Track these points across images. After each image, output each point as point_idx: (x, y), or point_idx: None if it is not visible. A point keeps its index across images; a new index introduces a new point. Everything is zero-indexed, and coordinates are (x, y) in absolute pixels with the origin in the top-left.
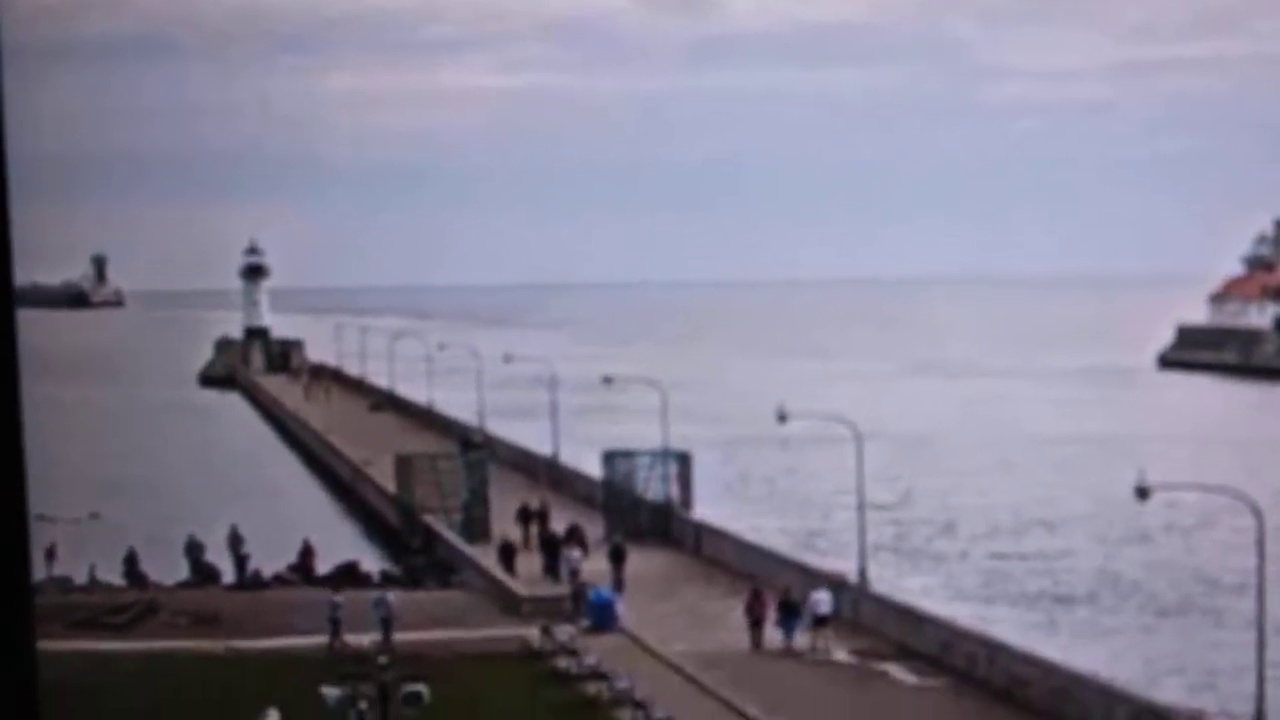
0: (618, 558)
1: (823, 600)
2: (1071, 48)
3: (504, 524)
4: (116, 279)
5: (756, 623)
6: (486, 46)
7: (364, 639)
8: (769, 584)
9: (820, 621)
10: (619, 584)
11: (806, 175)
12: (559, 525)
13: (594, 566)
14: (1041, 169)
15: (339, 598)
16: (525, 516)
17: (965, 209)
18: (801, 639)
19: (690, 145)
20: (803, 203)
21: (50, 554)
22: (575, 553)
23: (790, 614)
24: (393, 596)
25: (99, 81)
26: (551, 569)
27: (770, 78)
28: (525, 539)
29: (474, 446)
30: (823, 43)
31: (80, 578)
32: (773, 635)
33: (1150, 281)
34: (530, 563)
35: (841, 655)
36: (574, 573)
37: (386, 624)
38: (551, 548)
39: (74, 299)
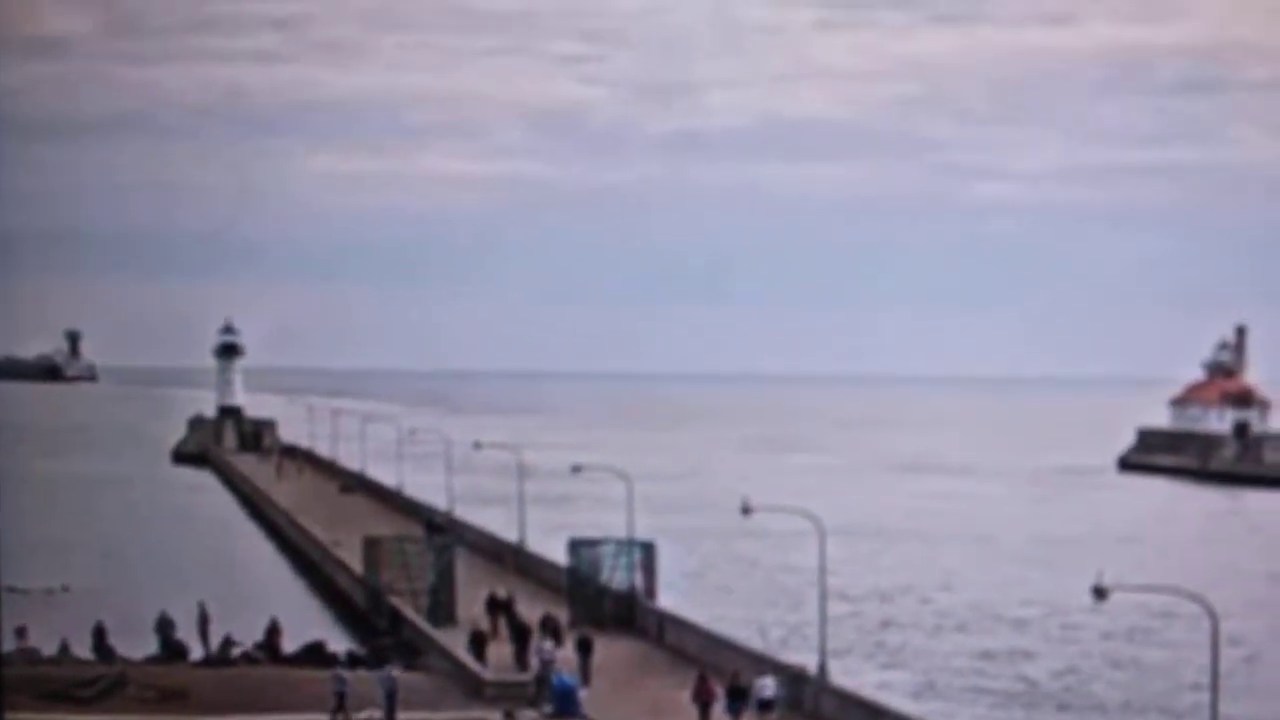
0: (585, 649)
1: (767, 685)
2: (1043, 150)
3: (471, 609)
4: (90, 354)
5: (705, 707)
6: (466, 133)
7: (362, 714)
8: (718, 670)
9: (765, 706)
10: (586, 675)
11: (782, 270)
12: (528, 613)
13: (562, 655)
14: (1013, 269)
15: (345, 673)
16: (493, 606)
17: (938, 307)
18: None
19: (665, 237)
20: (779, 297)
21: (21, 633)
22: (548, 644)
23: (737, 698)
24: (397, 672)
25: (77, 158)
26: (521, 659)
27: (746, 171)
28: (494, 628)
29: (438, 529)
30: (799, 138)
31: (50, 649)
32: (720, 718)
33: (1115, 383)
34: (501, 652)
35: None
36: (547, 663)
37: (391, 698)
38: (522, 637)
39: (47, 372)
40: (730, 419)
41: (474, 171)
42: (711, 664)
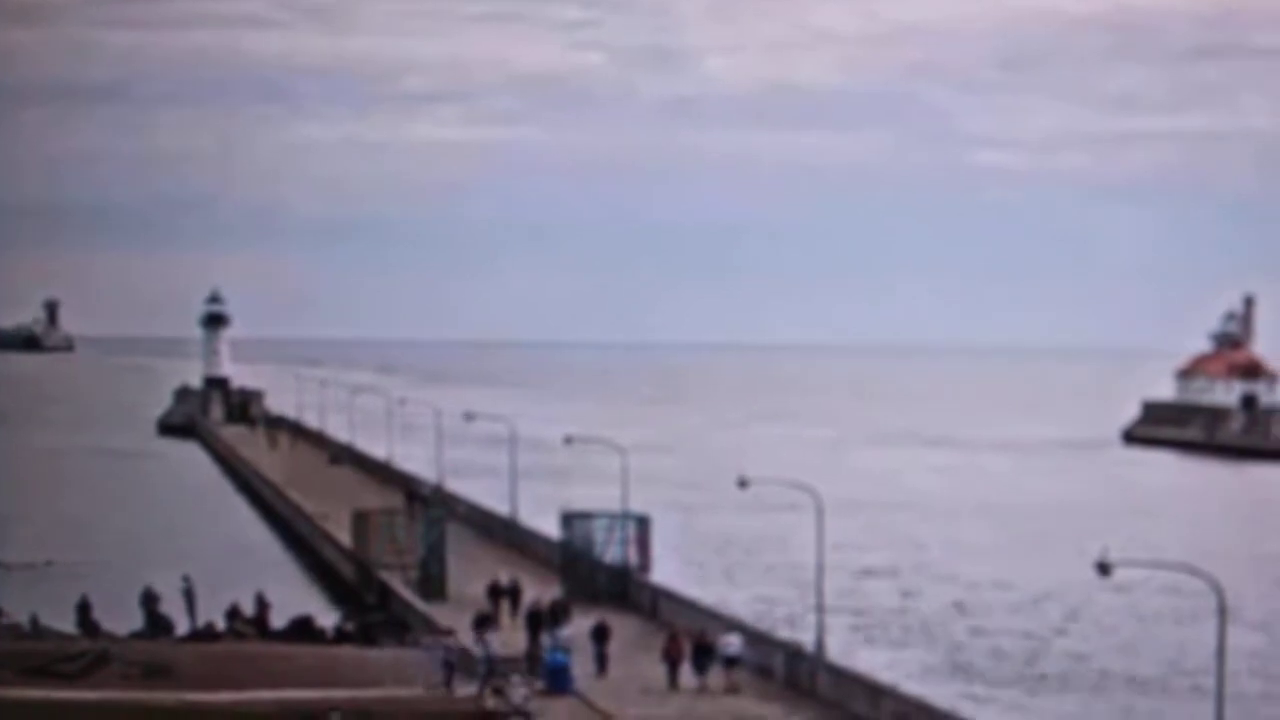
0: (601, 636)
1: (732, 643)
2: (1048, 117)
3: (462, 586)
4: (69, 324)
5: (673, 664)
6: (457, 99)
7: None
8: (687, 629)
9: (730, 662)
10: (602, 662)
11: (780, 237)
12: (529, 596)
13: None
14: (1016, 238)
15: (451, 641)
16: (496, 593)
17: (940, 277)
18: (714, 679)
19: (662, 204)
20: (777, 265)
21: None
22: (566, 630)
23: (703, 654)
24: (493, 636)
25: (59, 126)
26: (534, 648)
27: (743, 139)
28: (496, 615)
29: (420, 498)
30: (797, 105)
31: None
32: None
33: (1119, 355)
34: (513, 640)
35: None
36: (566, 650)
37: (489, 663)
38: (535, 624)
39: (25, 342)
40: (728, 389)
41: (467, 138)
42: (685, 627)
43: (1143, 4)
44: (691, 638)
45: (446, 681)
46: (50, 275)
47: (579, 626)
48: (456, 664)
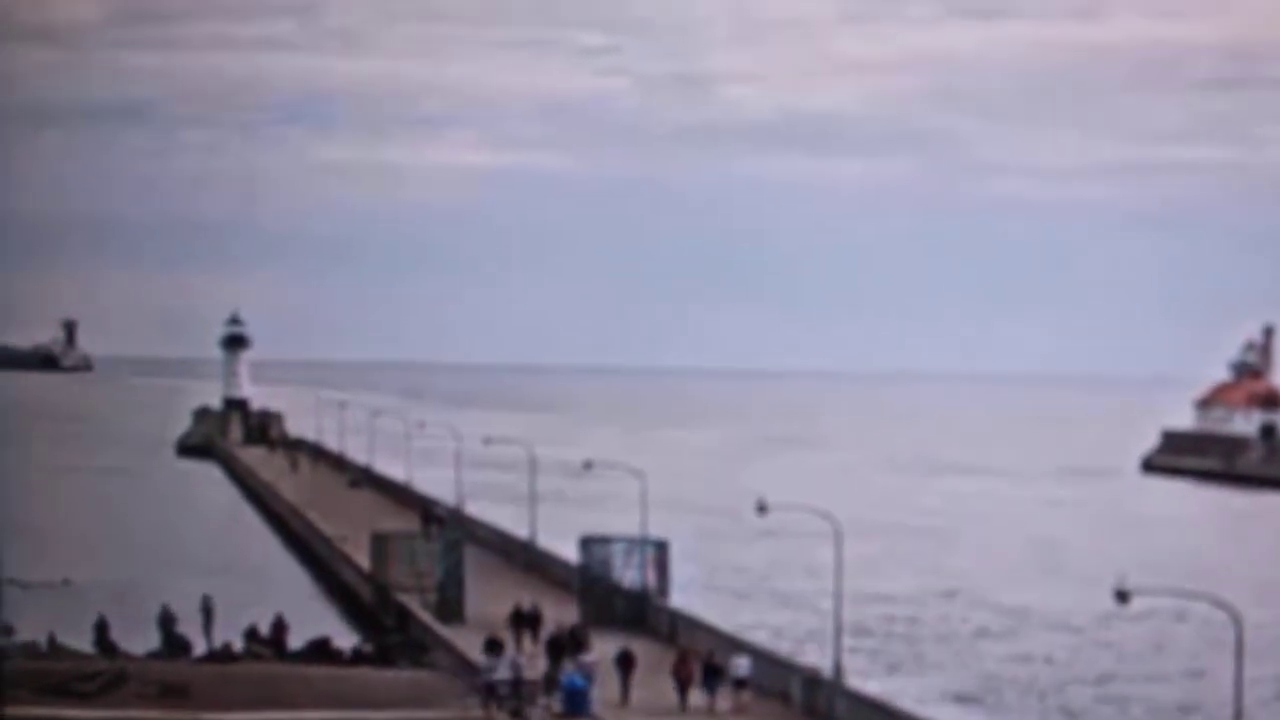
0: (626, 664)
1: (742, 664)
2: (1067, 147)
3: (482, 608)
4: (87, 344)
5: (683, 685)
6: (479, 124)
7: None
8: (696, 650)
9: (740, 684)
10: (626, 691)
11: (802, 264)
12: (551, 622)
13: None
14: (1035, 267)
15: (515, 658)
16: (519, 619)
17: (959, 304)
18: (723, 700)
19: (682, 230)
20: (796, 292)
21: (6, 631)
22: (590, 656)
23: (713, 675)
24: (522, 659)
25: (82, 145)
26: (553, 676)
27: (764, 165)
28: (519, 642)
29: (436, 520)
30: (817, 132)
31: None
32: (698, 696)
33: (1138, 384)
34: (533, 668)
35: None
36: (589, 678)
37: (518, 685)
38: (556, 652)
39: (43, 361)
40: (748, 415)
41: (488, 163)
42: (693, 649)
43: (1162, 35)
44: (701, 659)
45: (485, 703)
46: (69, 295)
47: (601, 652)
48: (499, 686)
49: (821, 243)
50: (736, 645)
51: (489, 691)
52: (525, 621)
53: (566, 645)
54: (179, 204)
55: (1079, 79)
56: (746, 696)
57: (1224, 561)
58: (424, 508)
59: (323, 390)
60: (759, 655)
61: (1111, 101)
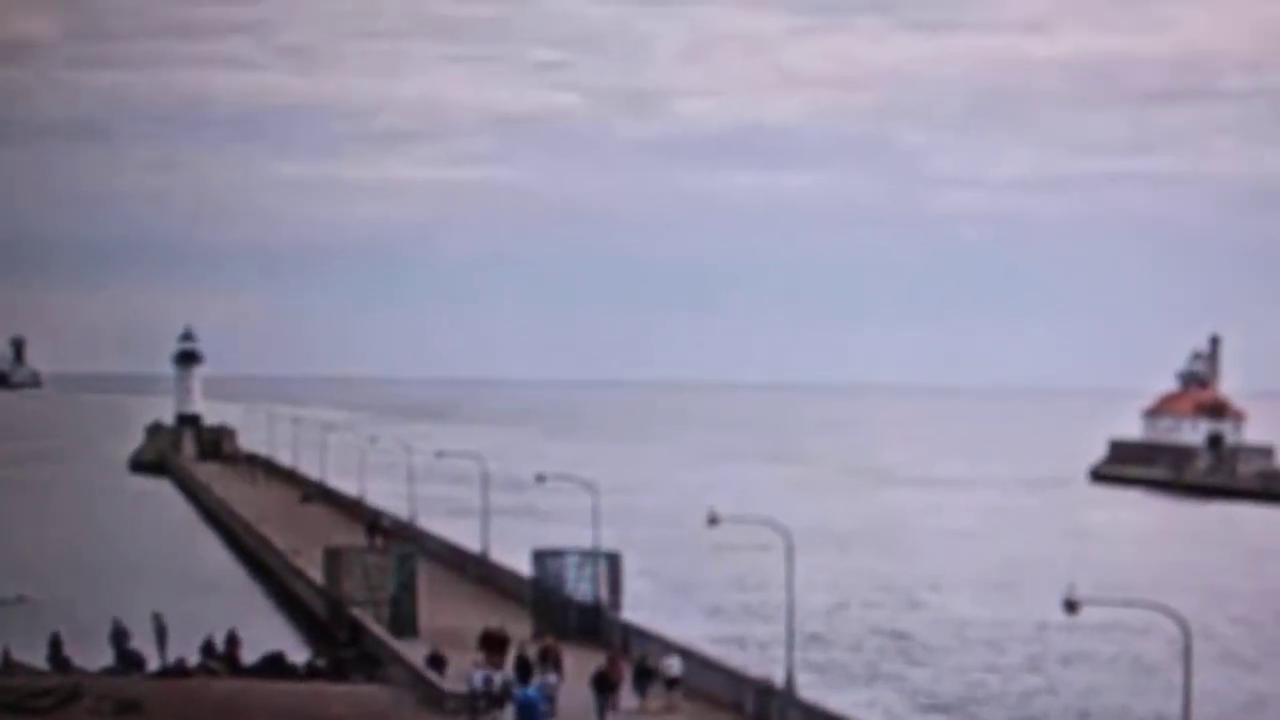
0: (604, 686)
1: (674, 664)
2: (1016, 159)
3: (434, 621)
4: (36, 361)
5: (612, 687)
6: (432, 139)
7: None
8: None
9: (671, 683)
10: (602, 713)
11: (753, 277)
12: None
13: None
14: (985, 279)
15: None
16: (489, 640)
17: (911, 317)
18: (655, 700)
19: (637, 243)
20: (750, 305)
21: None
22: (552, 677)
23: (644, 676)
24: (553, 678)
25: (30, 164)
26: (510, 691)
27: (717, 179)
28: (490, 663)
29: (381, 530)
30: (769, 146)
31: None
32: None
33: (1088, 395)
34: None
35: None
36: (550, 700)
37: (488, 697)
38: (524, 671)
39: None
40: (702, 428)
41: (442, 177)
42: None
43: (1109, 48)
44: (633, 661)
45: (471, 711)
46: (17, 312)
47: (577, 671)
48: (481, 695)
49: (774, 256)
50: (695, 658)
51: (471, 702)
52: (494, 644)
53: (535, 665)
54: (131, 221)
55: (1028, 92)
56: (678, 696)
57: (1172, 571)
58: (369, 519)
59: (275, 405)
60: (711, 666)
61: (1060, 114)
